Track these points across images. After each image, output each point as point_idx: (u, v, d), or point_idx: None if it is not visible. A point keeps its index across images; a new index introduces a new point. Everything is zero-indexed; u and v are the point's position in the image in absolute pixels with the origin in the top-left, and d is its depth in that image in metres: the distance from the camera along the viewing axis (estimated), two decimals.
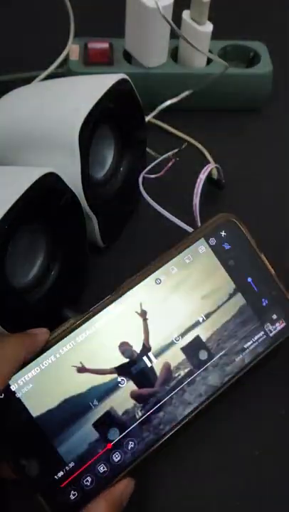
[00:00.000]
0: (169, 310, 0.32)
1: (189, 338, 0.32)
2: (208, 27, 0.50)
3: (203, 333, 0.32)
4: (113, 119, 0.41)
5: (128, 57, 0.53)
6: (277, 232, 0.45)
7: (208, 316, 0.32)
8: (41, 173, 0.32)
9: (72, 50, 0.52)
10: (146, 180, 0.42)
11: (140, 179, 0.41)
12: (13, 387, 0.29)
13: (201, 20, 0.49)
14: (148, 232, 0.45)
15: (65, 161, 0.36)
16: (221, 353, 0.32)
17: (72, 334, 0.30)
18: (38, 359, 0.29)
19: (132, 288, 0.31)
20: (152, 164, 0.43)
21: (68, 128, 0.35)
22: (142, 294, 0.32)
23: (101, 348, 0.30)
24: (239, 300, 0.33)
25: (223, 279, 0.33)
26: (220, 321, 0.32)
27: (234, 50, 0.55)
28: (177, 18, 0.48)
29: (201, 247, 0.33)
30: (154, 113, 0.51)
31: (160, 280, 0.32)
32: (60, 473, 0.28)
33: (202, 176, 0.41)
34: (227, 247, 0.33)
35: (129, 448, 0.30)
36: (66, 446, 0.29)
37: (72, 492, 0.28)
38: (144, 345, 0.31)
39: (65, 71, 0.52)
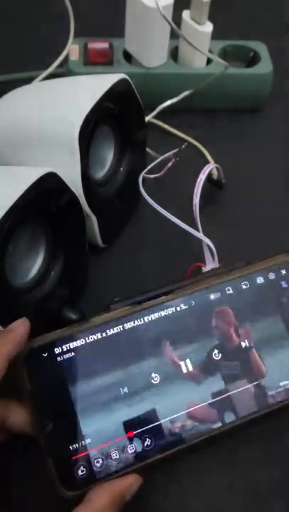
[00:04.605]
0: (215, 327, 0.33)
1: (233, 362, 0.32)
2: (208, 27, 0.50)
3: (247, 361, 0.32)
4: (113, 119, 0.41)
5: (128, 57, 0.53)
6: (277, 232, 0.45)
7: (255, 344, 0.33)
8: (41, 173, 0.32)
9: (72, 50, 0.52)
10: (146, 180, 0.42)
11: (140, 179, 0.41)
12: (56, 350, 0.29)
13: (201, 20, 0.49)
14: (148, 232, 0.45)
15: (65, 161, 0.36)
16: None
17: (122, 319, 0.31)
18: (86, 332, 0.30)
19: (184, 295, 0.33)
20: (152, 164, 0.43)
21: (68, 128, 0.35)
22: (194, 303, 0.33)
23: (145, 340, 0.31)
24: (285, 336, 0.33)
25: (273, 313, 0.34)
26: (265, 352, 0.33)
27: (234, 50, 0.55)
28: (177, 18, 0.48)
29: (260, 278, 0.34)
30: (154, 113, 0.51)
31: (214, 296, 0.33)
32: (75, 445, 0.29)
33: (202, 176, 0.41)
34: (284, 285, 0.34)
35: (145, 444, 0.30)
36: (89, 422, 0.29)
37: (81, 468, 0.28)
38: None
39: (65, 71, 0.52)
